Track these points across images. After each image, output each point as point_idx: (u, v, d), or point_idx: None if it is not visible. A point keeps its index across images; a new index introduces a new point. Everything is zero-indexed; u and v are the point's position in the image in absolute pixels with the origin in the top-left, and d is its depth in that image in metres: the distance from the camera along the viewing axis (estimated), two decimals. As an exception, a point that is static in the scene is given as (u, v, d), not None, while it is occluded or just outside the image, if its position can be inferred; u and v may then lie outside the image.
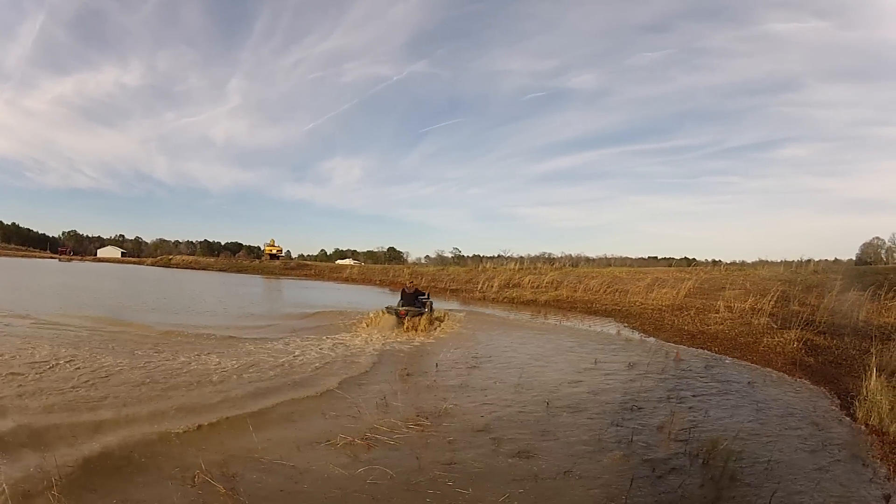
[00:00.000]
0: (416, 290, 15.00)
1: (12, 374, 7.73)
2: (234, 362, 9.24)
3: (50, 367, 8.27)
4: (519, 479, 4.91)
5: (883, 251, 50.96)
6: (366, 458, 5.21)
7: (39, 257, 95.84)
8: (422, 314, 13.88)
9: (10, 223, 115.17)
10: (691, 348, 12.90)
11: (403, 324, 13.43)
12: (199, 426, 5.92)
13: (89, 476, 4.57)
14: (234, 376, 8.31)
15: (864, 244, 53.38)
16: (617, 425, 6.60)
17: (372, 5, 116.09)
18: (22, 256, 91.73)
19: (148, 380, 7.86)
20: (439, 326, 14.28)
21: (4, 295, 21.30)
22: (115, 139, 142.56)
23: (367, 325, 14.08)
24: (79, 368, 8.33)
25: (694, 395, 8.18)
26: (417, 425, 6.26)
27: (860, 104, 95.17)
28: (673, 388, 8.65)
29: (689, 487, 4.87)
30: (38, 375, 7.75)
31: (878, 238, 53.30)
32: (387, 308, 14.47)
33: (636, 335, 15.05)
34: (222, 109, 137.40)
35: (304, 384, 8.16)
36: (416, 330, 13.26)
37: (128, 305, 19.75)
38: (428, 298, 15.22)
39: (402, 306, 14.02)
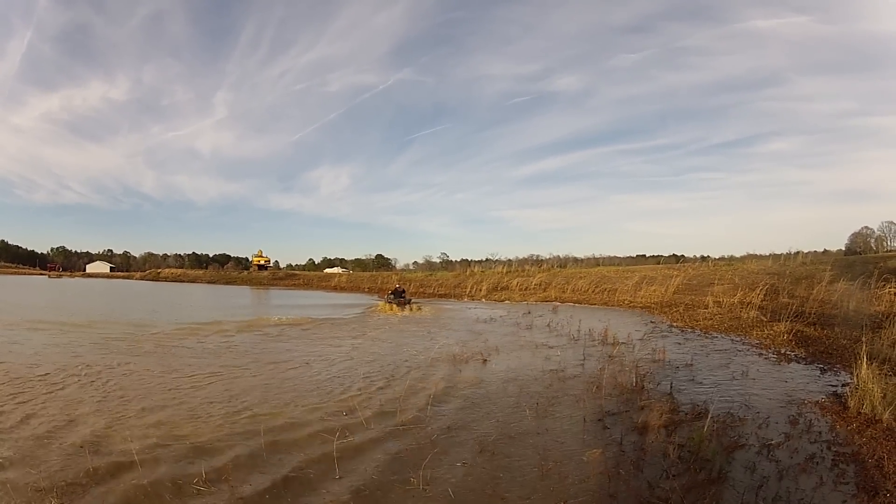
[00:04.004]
0: (402, 289, 25.41)
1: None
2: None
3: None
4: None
5: (872, 240, 50.89)
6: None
7: (28, 274, 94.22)
8: (409, 302, 23.17)
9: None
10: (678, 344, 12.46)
11: (402, 308, 22.23)
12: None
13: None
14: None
15: (853, 234, 53.30)
16: (597, 419, 6.18)
17: (356, 15, 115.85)
18: (11, 273, 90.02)
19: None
20: (420, 309, 22.59)
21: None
22: (102, 154, 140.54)
23: (383, 309, 22.52)
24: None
25: (679, 388, 7.76)
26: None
27: (842, 96, 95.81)
28: (658, 380, 8.21)
29: (675, 483, 4.43)
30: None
31: (867, 227, 53.26)
32: (387, 299, 23.69)
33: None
34: (208, 122, 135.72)
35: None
36: (410, 310, 22.11)
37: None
38: (403, 295, 24.45)
39: (395, 298, 23.22)
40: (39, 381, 8.13)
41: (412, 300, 24.46)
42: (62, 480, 4.47)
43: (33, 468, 4.72)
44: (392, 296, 23.85)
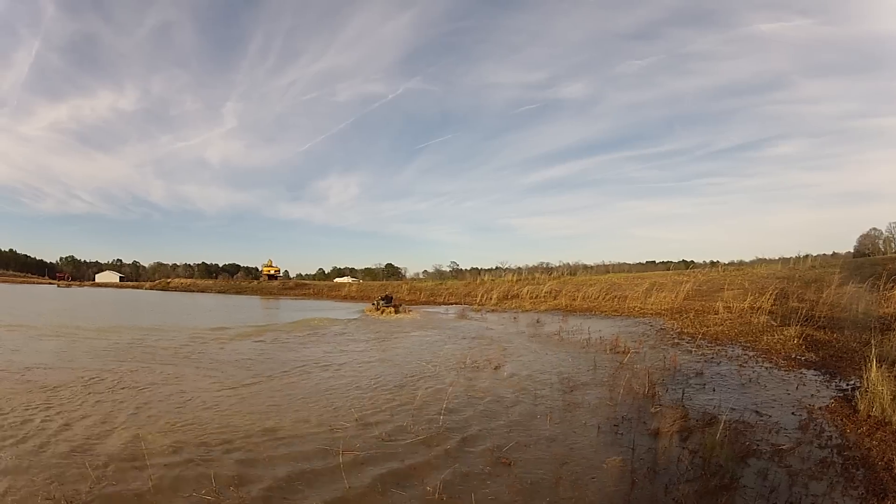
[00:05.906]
0: (391, 296, 29.28)
1: None
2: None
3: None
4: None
5: (881, 242, 50.54)
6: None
7: (37, 283, 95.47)
8: (393, 307, 26.10)
9: (7, 249, 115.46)
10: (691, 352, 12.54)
11: (387, 310, 25.55)
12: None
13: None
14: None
15: (861, 236, 53.12)
16: (613, 426, 6.32)
17: (364, 25, 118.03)
18: (21, 282, 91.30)
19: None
20: (409, 312, 25.90)
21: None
22: (110, 164, 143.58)
23: (372, 311, 25.98)
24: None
25: (690, 395, 7.88)
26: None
27: (847, 97, 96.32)
28: (670, 388, 8.33)
29: (688, 489, 4.58)
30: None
31: (875, 229, 52.92)
32: (375, 303, 27.39)
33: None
34: (217, 132, 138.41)
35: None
36: (398, 313, 25.18)
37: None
38: (392, 301, 27.81)
39: (385, 304, 26.43)
40: (76, 387, 8.33)
41: (401, 305, 27.53)
42: (74, 488, 4.64)
43: (41, 475, 4.89)
44: (382, 301, 27.19)
